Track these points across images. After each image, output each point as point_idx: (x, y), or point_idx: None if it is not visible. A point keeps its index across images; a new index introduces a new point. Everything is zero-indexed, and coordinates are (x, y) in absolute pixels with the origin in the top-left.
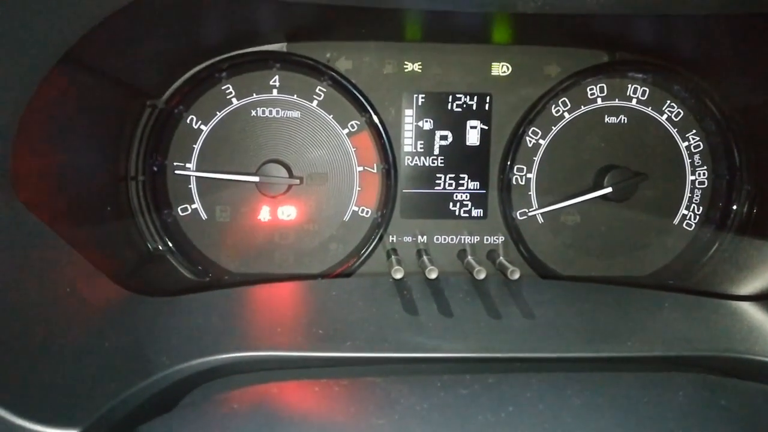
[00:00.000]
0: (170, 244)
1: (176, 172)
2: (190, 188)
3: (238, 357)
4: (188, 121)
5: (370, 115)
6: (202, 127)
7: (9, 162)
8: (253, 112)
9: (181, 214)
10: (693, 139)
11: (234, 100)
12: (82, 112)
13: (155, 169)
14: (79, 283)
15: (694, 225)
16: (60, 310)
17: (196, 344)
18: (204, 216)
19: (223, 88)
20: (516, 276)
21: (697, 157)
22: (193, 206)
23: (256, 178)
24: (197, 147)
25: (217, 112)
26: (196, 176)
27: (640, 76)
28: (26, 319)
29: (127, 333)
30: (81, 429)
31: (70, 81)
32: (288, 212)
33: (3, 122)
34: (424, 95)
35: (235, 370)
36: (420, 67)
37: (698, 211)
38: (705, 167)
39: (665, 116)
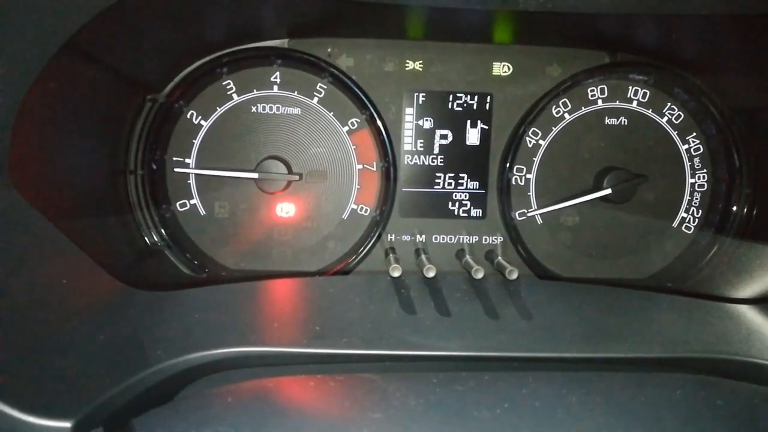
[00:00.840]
0: (168, 239)
1: (175, 169)
2: (189, 183)
3: (234, 352)
4: (188, 116)
5: (371, 112)
6: (202, 122)
7: (7, 154)
8: (254, 108)
9: (179, 209)
10: (693, 141)
11: (234, 96)
12: (81, 104)
13: (154, 164)
14: (76, 275)
15: (693, 228)
16: (56, 302)
17: (192, 338)
18: (202, 212)
19: (223, 83)
20: (514, 276)
21: (697, 159)
22: (192, 202)
23: (255, 175)
24: (197, 142)
25: (218, 108)
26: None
27: (641, 77)
28: (22, 311)
29: (123, 326)
30: (74, 421)
31: (70, 72)
32: (287, 209)
33: (1, 113)
34: (424, 94)
35: (231, 365)
36: (421, 65)
37: (697, 214)
38: (705, 170)
39: (665, 118)
